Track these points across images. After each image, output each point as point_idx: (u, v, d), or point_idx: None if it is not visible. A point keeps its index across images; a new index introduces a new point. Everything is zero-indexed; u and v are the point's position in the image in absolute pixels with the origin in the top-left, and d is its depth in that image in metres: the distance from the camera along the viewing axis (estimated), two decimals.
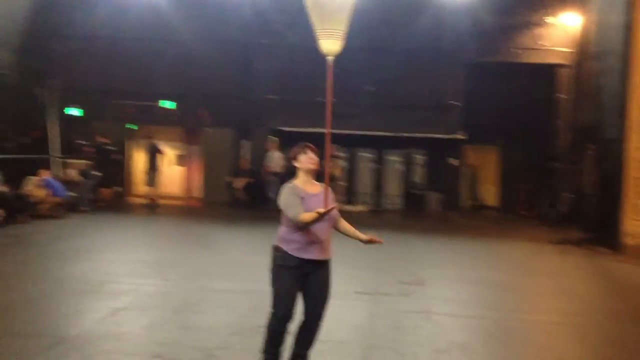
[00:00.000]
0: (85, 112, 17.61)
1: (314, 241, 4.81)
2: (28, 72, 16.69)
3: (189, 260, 9.80)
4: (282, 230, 4.89)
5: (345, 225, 5.10)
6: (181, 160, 19.08)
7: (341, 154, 18.34)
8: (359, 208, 18.45)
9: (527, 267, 10.79)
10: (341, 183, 18.33)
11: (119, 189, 17.45)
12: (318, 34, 5.46)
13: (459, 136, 18.35)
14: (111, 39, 17.55)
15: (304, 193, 4.85)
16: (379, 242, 5.03)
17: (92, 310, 6.61)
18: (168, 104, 17.60)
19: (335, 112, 17.86)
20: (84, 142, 17.00)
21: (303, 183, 4.93)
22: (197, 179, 18.61)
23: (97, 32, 17.50)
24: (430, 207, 18.71)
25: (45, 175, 13.64)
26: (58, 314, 6.49)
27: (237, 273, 8.86)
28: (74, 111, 17.58)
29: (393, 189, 19.13)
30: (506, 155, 19.56)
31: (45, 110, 17.42)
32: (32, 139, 16.89)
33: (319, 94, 17.54)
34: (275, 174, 16.80)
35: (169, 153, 18.75)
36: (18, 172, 14.09)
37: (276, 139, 17.76)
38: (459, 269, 9.98)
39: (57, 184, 13.72)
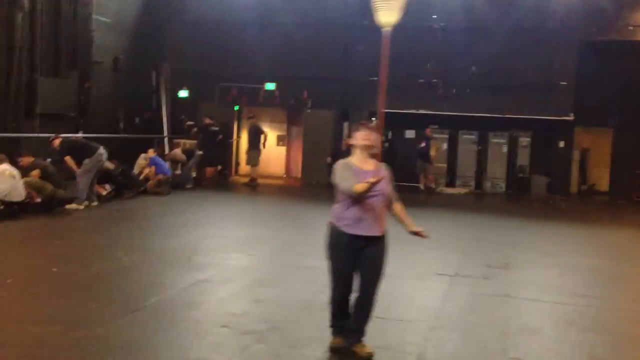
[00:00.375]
0: (193, 94, 18.31)
1: (364, 217, 4.85)
2: (142, 56, 17.54)
3: (278, 237, 10.05)
4: (336, 207, 4.95)
5: (398, 209, 5.07)
6: (282, 140, 19.45)
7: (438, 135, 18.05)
8: (460, 190, 18.16)
9: (628, 254, 10.27)
10: (440, 165, 18.10)
11: (223, 168, 17.99)
12: (375, 5, 5.46)
13: (568, 118, 17.62)
14: (218, 24, 18.08)
15: (357, 169, 4.89)
16: (424, 237, 5.03)
17: (175, 281, 6.92)
18: (270, 86, 17.95)
19: (437, 93, 17.83)
20: (190, 123, 17.69)
21: (358, 160, 4.98)
22: (297, 159, 18.92)
23: (205, 16, 18.08)
24: (536, 191, 18.13)
25: (151, 154, 14.31)
26: (144, 283, 6.85)
27: (320, 251, 8.97)
28: (183, 93, 18.33)
29: (496, 171, 18.65)
30: (620, 137, 18.57)
31: (157, 93, 18.31)
32: (143, 119, 17.78)
33: (420, 75, 17.53)
34: (372, 156, 16.79)
35: (270, 134, 19.17)
36: (129, 151, 14.91)
37: (374, 120, 17.74)
38: (553, 255, 9.64)
39: (162, 163, 14.37)
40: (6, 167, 10.16)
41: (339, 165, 4.97)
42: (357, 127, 5.08)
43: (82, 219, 10.84)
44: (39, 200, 10.65)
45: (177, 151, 15.96)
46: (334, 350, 5.00)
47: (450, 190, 17.77)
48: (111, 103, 16.66)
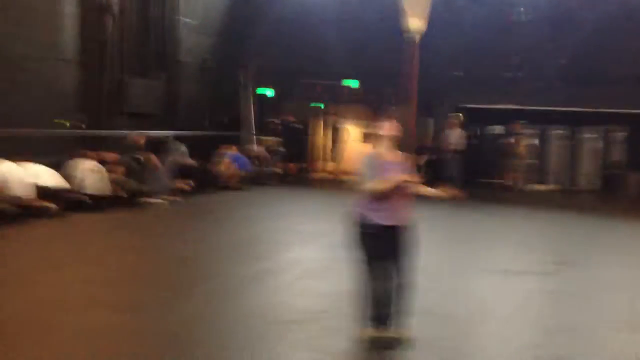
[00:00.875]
0: (276, 93, 18.65)
1: (387, 208, 4.87)
2: (228, 56, 18.03)
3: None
4: (362, 198, 4.95)
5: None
6: (366, 137, 19.44)
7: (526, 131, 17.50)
8: (549, 187, 17.56)
9: None
10: (529, 161, 17.58)
11: (305, 165, 18.19)
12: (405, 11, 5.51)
13: None
14: (301, 22, 18.31)
15: (384, 161, 4.90)
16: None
17: (227, 272, 7.14)
18: (352, 83, 18.01)
19: (522, 88, 17.21)
20: (274, 121, 18.04)
21: (384, 151, 4.99)
22: None
23: (288, 15, 18.35)
24: (631, 189, 17.26)
25: (232, 150, 14.72)
26: (203, 271, 7.14)
27: None
28: (267, 91, 18.72)
29: (588, 168, 17.90)
30: None
31: (241, 91, 18.78)
32: (230, 118, 18.28)
33: (505, 69, 17.08)
34: (456, 151, 16.55)
35: (354, 131, 19.26)
36: (214, 148, 15.40)
37: (459, 115, 17.49)
38: (633, 255, 9.17)
39: (243, 159, 14.75)
40: (92, 163, 10.77)
41: (366, 158, 4.98)
42: (385, 118, 5.10)
43: (162, 212, 11.32)
44: (123, 194, 11.22)
45: (259, 148, 16.32)
46: (369, 341, 5.03)
47: (539, 187, 17.21)
48: (198, 102, 17.19)
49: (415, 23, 6.66)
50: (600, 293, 6.88)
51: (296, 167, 17.50)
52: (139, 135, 12.33)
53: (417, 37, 6.35)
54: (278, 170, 16.73)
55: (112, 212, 10.72)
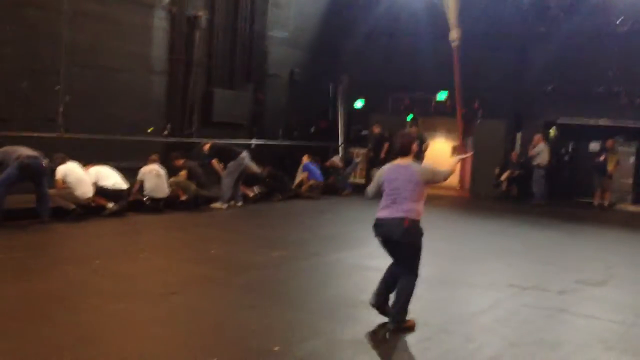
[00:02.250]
0: (367, 105, 18.90)
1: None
2: (318, 68, 18.52)
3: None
4: (419, 204, 5.70)
5: None
6: (456, 151, 19.19)
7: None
8: None
9: None
10: (624, 180, 16.61)
11: None
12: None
13: None
14: (390, 35, 18.48)
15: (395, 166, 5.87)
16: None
17: (265, 261, 7.53)
18: (441, 96, 17.89)
19: (618, 102, 16.46)
20: (362, 132, 18.28)
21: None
22: (469, 170, 18.57)
23: (378, 28, 18.58)
24: None
25: (305, 160, 15.12)
26: (243, 261, 7.54)
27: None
28: (359, 104, 19.00)
29: None
30: None
31: (333, 103, 19.20)
32: (319, 128, 18.74)
33: (600, 84, 16.28)
34: (540, 166, 16.02)
35: (445, 144, 19.12)
36: (294, 157, 15.90)
37: (553, 131, 16.97)
38: None
39: (315, 169, 15.09)
40: (154, 167, 11.56)
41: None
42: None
43: (221, 215, 11.91)
44: (184, 197, 11.93)
45: (336, 159, 16.62)
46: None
47: (632, 208, 16.22)
48: (286, 113, 17.79)
49: (454, 33, 7.05)
50: (610, 314, 6.58)
51: None
52: (205, 142, 13.01)
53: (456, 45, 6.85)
54: (361, 180, 16.94)
55: (170, 213, 11.43)
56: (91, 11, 12.72)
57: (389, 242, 5.71)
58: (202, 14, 14.94)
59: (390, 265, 5.88)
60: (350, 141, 18.82)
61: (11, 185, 9.41)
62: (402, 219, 5.55)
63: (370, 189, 5.99)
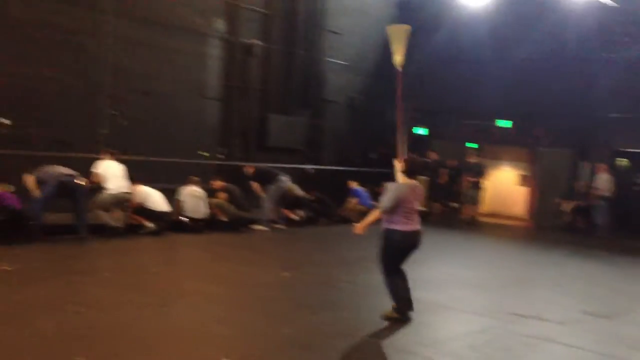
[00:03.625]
0: (428, 131, 18.73)
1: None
2: (378, 94, 18.55)
3: (447, 274, 9.76)
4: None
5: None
6: (524, 180, 18.64)
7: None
8: None
9: None
10: None
11: (454, 205, 17.86)
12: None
13: None
14: (453, 61, 18.29)
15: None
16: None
17: (252, 281, 7.67)
18: (504, 123, 17.51)
19: None
20: (425, 160, 18.09)
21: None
22: (532, 199, 17.96)
23: (440, 54, 18.43)
24: None
25: (353, 185, 15.12)
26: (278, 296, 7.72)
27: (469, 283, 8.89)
28: (420, 130, 18.86)
29: None
30: None
31: (393, 130, 19.09)
32: (378, 154, 18.70)
33: None
34: (603, 197, 15.29)
35: (511, 173, 18.64)
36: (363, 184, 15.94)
37: (626, 162, 16.23)
38: None
39: (364, 194, 15.05)
40: (194, 188, 11.95)
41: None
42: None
43: (257, 237, 12.14)
44: (224, 219, 12.24)
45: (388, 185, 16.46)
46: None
47: None
48: (344, 139, 17.90)
49: (398, 59, 7.32)
50: (599, 346, 6.24)
51: (440, 206, 17.31)
52: (249, 165, 13.30)
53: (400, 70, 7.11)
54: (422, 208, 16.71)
55: (209, 234, 11.75)
56: (147, 39, 13.36)
57: (411, 250, 6.72)
58: (257, 41, 15.37)
59: (402, 271, 6.83)
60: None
61: (49, 202, 10.01)
62: (420, 230, 6.69)
63: (389, 204, 6.59)
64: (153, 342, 5.49)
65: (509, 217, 18.23)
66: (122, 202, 11.00)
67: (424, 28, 18.52)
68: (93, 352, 5.10)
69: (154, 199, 11.38)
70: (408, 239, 6.62)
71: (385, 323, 6.55)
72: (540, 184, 17.28)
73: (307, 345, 5.70)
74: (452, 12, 17.98)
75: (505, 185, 18.55)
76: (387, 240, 6.66)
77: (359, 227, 6.74)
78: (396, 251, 6.70)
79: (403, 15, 19.02)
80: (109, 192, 10.73)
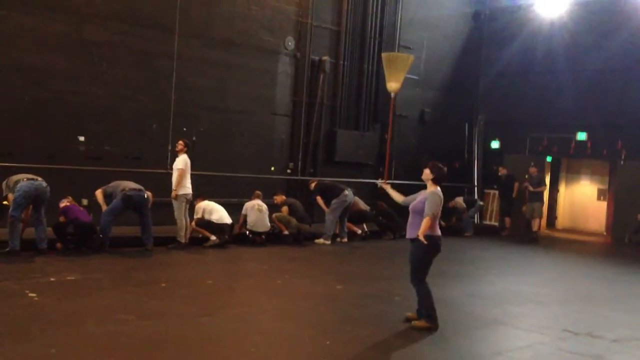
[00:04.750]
0: (503, 145, 18.36)
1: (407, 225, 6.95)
2: (450, 108, 18.38)
3: (506, 289, 9.61)
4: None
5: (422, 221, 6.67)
6: (603, 195, 17.95)
7: None
8: None
9: None
10: None
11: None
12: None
13: None
14: (526, 74, 17.90)
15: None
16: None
17: (304, 293, 7.77)
18: (581, 136, 16.95)
19: None
20: (499, 173, 17.78)
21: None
22: (610, 214, 17.26)
23: (513, 67, 18.09)
24: None
25: None
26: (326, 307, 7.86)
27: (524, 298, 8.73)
28: (495, 144, 18.53)
29: None
30: None
31: (468, 143, 18.88)
32: (451, 169, 18.44)
33: None
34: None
35: (590, 187, 18.01)
36: None
37: None
38: None
39: None
40: (256, 202, 12.17)
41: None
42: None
43: (318, 250, 12.20)
44: (286, 232, 12.41)
45: (459, 200, 16.24)
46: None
47: None
48: (415, 153, 17.75)
49: (392, 86, 7.71)
50: None
51: (509, 220, 16.90)
52: (313, 180, 13.44)
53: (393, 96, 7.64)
54: (495, 223, 16.46)
55: (271, 247, 11.93)
56: (218, 58, 13.78)
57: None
58: (326, 58, 15.53)
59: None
60: (486, 183, 18.37)
61: (117, 215, 10.44)
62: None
63: (437, 210, 6.72)
64: (188, 351, 5.63)
65: (586, 233, 17.58)
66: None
67: (497, 40, 18.33)
68: (125, 356, 5.31)
69: (218, 212, 11.65)
70: (440, 243, 6.82)
71: (427, 337, 6.47)
72: (619, 198, 16.57)
73: (345, 358, 5.70)
74: (526, 22, 17.65)
75: (582, 199, 17.93)
76: (429, 246, 6.63)
77: (421, 235, 6.61)
78: (433, 257, 6.82)
79: (475, 27, 18.84)
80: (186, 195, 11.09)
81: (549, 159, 18.01)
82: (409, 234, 6.86)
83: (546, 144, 17.59)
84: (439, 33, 18.19)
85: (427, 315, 6.72)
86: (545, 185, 16.31)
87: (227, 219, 11.64)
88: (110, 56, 12.30)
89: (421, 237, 6.56)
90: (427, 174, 6.92)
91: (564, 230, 17.21)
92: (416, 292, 6.86)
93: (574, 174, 18.14)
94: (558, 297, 9.22)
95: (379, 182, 7.37)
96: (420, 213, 6.72)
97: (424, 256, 6.75)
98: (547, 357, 6.10)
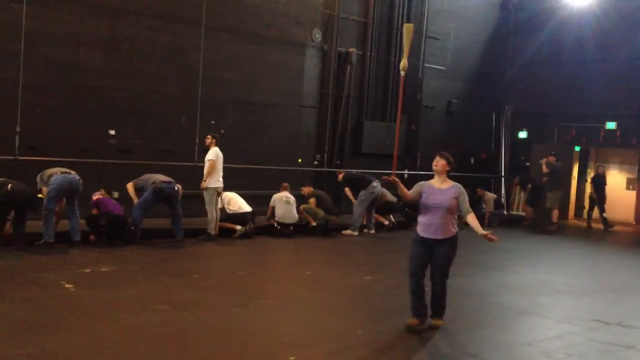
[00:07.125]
0: (531, 135, 18.26)
1: (430, 224, 6.29)
2: (478, 99, 18.29)
3: (536, 279, 9.60)
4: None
5: (470, 219, 6.32)
6: (632, 184, 17.78)
7: None
8: None
9: None
10: None
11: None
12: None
13: None
14: (554, 63, 17.74)
15: (429, 188, 6.39)
16: (493, 240, 6.20)
17: (333, 284, 7.86)
18: (610, 125, 16.79)
19: None
20: (526, 163, 17.70)
21: (435, 181, 6.44)
22: (638, 203, 17.09)
23: (542, 57, 17.92)
24: None
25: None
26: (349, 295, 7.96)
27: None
28: (522, 134, 18.43)
29: None
30: None
31: (495, 134, 18.79)
32: (478, 159, 18.41)
33: None
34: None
35: (619, 176, 17.83)
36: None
37: None
38: None
39: None
40: (284, 194, 12.27)
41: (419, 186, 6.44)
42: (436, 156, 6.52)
43: (346, 242, 12.28)
44: (314, 224, 12.50)
45: (489, 194, 16.25)
46: (409, 328, 6.29)
47: None
48: (441, 144, 17.65)
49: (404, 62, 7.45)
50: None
51: (531, 210, 16.77)
52: (340, 171, 13.50)
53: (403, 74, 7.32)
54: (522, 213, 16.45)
55: (299, 238, 12.03)
56: (246, 52, 13.86)
57: None
58: (353, 50, 15.56)
59: None
60: (513, 173, 18.29)
61: (148, 207, 10.60)
62: None
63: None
64: (220, 339, 5.75)
65: (614, 222, 17.39)
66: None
67: (525, 29, 18.18)
68: (159, 346, 5.43)
69: (236, 202, 11.75)
70: None
71: (457, 327, 6.52)
72: None
73: (377, 348, 5.77)
74: (554, 11, 17.48)
75: (611, 189, 17.72)
76: (456, 244, 6.49)
77: (490, 236, 6.20)
78: None
79: (503, 17, 18.72)
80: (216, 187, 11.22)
81: (577, 148, 17.86)
82: (440, 234, 6.27)
83: (574, 133, 17.43)
84: (467, 23, 18.09)
85: (443, 310, 6.51)
86: (561, 176, 16.04)
87: (246, 207, 11.73)
88: (141, 51, 12.45)
89: (491, 237, 6.15)
90: (443, 165, 6.42)
91: (593, 219, 17.03)
92: (439, 291, 6.42)
93: (602, 163, 17.92)
94: (588, 287, 9.22)
95: (389, 177, 6.68)
96: (452, 211, 6.30)
97: (455, 253, 6.44)
98: (578, 347, 6.10)
